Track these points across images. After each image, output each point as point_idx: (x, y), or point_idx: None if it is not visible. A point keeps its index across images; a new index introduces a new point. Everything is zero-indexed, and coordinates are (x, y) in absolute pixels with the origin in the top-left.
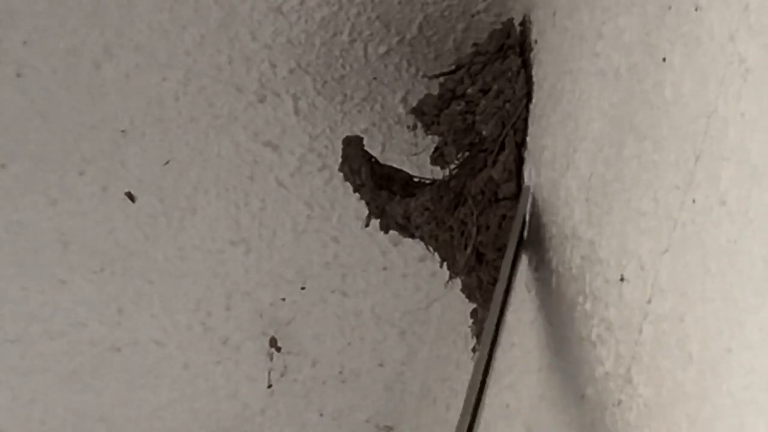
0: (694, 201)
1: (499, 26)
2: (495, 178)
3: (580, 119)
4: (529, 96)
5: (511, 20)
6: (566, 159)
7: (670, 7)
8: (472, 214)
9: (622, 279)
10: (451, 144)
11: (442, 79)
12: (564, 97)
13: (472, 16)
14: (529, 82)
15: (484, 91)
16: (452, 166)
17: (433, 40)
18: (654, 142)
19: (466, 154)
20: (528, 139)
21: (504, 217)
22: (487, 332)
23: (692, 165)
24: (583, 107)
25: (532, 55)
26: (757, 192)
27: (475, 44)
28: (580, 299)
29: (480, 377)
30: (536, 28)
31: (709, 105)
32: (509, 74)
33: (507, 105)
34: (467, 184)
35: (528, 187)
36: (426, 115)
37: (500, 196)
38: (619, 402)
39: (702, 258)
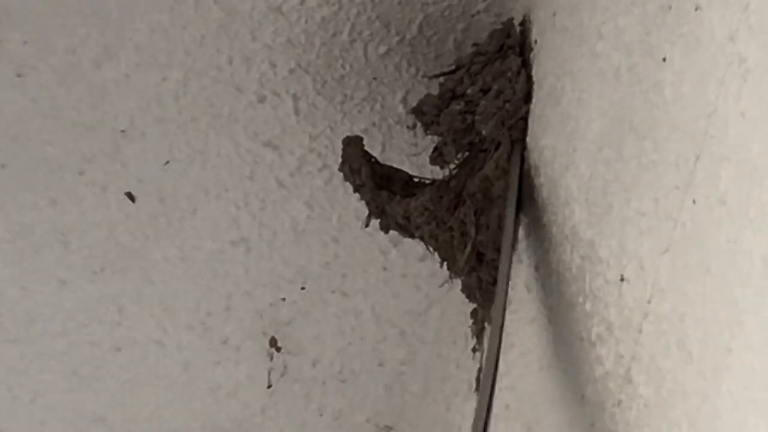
0: (694, 201)
1: (499, 26)
2: (489, 176)
3: (580, 119)
4: (529, 96)
5: (511, 20)
6: (566, 159)
7: (670, 7)
8: (472, 213)
9: (622, 279)
10: (450, 144)
11: (442, 79)
12: (564, 97)
13: (472, 16)
14: (529, 82)
15: (484, 91)
16: (452, 166)
17: (433, 40)
18: (654, 142)
19: (466, 153)
20: (528, 139)
21: (500, 216)
22: (494, 334)
23: (692, 165)
24: (583, 107)
25: (532, 55)
26: (757, 192)
27: (475, 44)
28: (580, 299)
29: (490, 381)
30: (536, 28)
31: (709, 105)
32: (509, 74)
33: (507, 105)
34: (467, 184)
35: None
36: (426, 114)
37: (494, 194)
38: (619, 402)
39: (702, 258)
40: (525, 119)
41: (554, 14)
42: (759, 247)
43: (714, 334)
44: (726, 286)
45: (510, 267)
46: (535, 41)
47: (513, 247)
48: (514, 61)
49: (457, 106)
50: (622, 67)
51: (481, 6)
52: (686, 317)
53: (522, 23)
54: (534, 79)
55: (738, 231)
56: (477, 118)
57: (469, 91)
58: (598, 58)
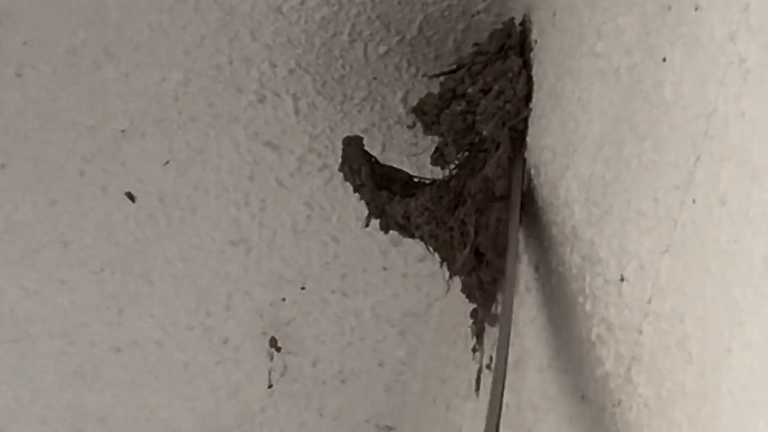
0: (694, 201)
1: (499, 26)
2: (489, 176)
3: (580, 119)
4: (529, 96)
5: (512, 20)
6: (566, 159)
7: (670, 7)
8: (472, 214)
9: (622, 279)
10: (451, 144)
11: (442, 78)
12: (564, 97)
13: (472, 16)
14: (529, 82)
15: (485, 91)
16: (452, 166)
17: (433, 40)
18: (654, 142)
19: (466, 154)
20: (528, 139)
21: (499, 217)
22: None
23: (692, 165)
24: (583, 107)
25: (532, 55)
26: (757, 192)
27: (476, 44)
28: (580, 299)
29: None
30: (536, 28)
31: (709, 105)
32: (510, 75)
33: (507, 105)
34: (467, 184)
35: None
36: (426, 114)
37: (496, 194)
38: (619, 402)
39: (702, 258)
40: (525, 119)
41: (554, 14)
42: (759, 247)
43: (714, 334)
44: (726, 286)
45: (516, 268)
46: (535, 41)
47: (516, 247)
48: (515, 62)
49: (458, 106)
50: (622, 67)
51: (481, 6)
52: (686, 317)
53: (522, 23)
54: (534, 79)
55: (738, 231)
56: (478, 118)
57: (469, 90)
58: (598, 58)
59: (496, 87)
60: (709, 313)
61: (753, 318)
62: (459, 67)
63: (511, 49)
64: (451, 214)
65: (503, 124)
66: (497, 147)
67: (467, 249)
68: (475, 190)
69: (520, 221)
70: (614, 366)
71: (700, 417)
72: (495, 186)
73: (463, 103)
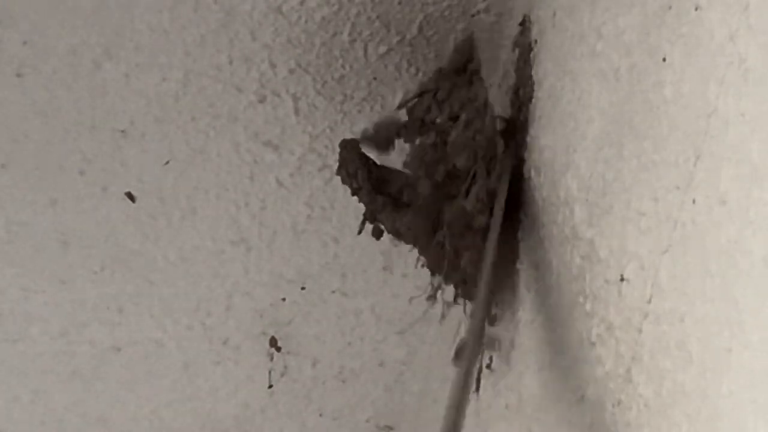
0: (694, 201)
1: (500, 28)
2: (468, 210)
3: (580, 119)
4: (505, 132)
5: (470, 36)
6: (566, 159)
7: (670, 7)
8: (449, 239)
9: (622, 279)
10: (423, 178)
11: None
12: (564, 97)
13: (472, 16)
14: (525, 84)
15: (454, 119)
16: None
17: (433, 40)
18: (654, 142)
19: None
20: (528, 139)
21: (477, 245)
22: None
23: (692, 165)
24: (583, 107)
25: (532, 55)
26: (757, 192)
27: (440, 69)
28: (580, 299)
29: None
30: (536, 28)
31: (709, 105)
32: (476, 104)
33: (478, 137)
34: (444, 210)
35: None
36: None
37: (475, 226)
38: (619, 402)
39: (702, 258)
40: (494, 155)
41: (554, 14)
42: (759, 247)
43: (714, 334)
44: (726, 286)
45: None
46: (535, 41)
47: (493, 271)
48: (480, 91)
49: (428, 139)
50: (622, 67)
51: (481, 6)
52: (686, 317)
53: (522, 23)
54: (534, 79)
55: (738, 231)
56: (449, 150)
57: (438, 120)
58: (598, 58)
59: (463, 116)
60: (709, 313)
61: (753, 318)
62: (423, 93)
63: (475, 73)
64: (431, 237)
65: (475, 155)
66: (473, 177)
67: (445, 270)
68: (450, 219)
69: (517, 222)
70: (614, 366)
71: (700, 417)
72: (474, 220)
73: (433, 135)
